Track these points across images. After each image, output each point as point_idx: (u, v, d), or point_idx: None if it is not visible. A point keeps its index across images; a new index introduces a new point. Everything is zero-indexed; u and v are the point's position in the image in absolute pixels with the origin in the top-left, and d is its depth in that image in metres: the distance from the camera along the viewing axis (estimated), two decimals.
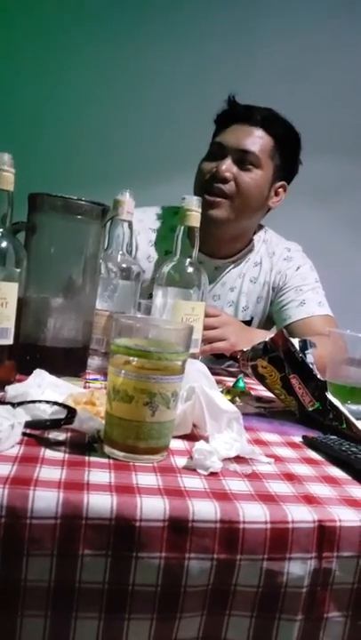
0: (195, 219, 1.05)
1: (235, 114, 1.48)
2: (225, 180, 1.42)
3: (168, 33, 2.41)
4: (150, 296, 1.14)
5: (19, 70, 2.38)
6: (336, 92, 2.43)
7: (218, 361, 1.48)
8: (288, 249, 1.63)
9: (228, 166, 1.42)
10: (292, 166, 1.54)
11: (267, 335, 1.01)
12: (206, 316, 1.15)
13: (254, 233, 1.62)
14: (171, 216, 1.55)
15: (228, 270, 1.57)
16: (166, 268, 1.08)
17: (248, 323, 1.58)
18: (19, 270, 0.87)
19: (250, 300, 1.59)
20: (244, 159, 1.43)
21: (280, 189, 1.54)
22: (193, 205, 1.05)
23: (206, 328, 1.17)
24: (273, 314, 1.60)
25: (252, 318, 1.61)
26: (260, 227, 1.65)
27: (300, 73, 2.41)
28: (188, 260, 1.07)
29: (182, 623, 0.55)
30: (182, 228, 1.06)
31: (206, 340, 1.22)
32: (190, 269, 1.08)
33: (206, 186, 1.44)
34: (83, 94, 2.40)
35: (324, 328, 1.39)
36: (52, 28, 2.40)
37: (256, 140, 1.44)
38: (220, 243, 1.51)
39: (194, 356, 1.04)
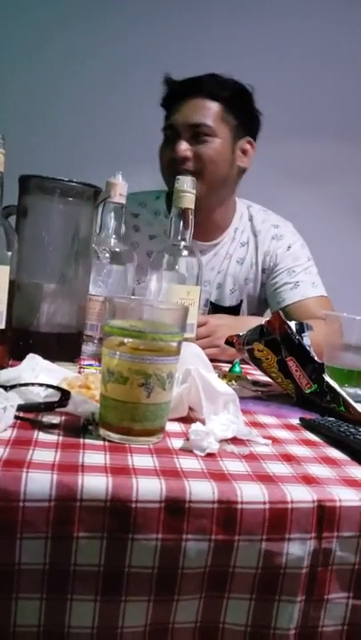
0: (189, 200, 1.03)
1: (176, 92, 1.46)
2: (185, 160, 1.40)
3: (160, 13, 2.38)
4: None
5: (7, 53, 2.35)
6: (333, 76, 2.42)
7: None
8: (276, 226, 1.58)
9: (184, 145, 1.40)
10: (250, 121, 1.50)
11: (260, 321, 1.00)
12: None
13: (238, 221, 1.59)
14: (153, 200, 1.55)
15: (214, 253, 1.54)
16: (161, 252, 1.07)
17: (238, 307, 1.57)
18: (10, 253, 0.85)
19: (237, 281, 1.56)
20: (197, 133, 1.41)
21: (247, 146, 1.50)
22: (187, 186, 1.03)
23: (196, 338, 1.16)
24: (267, 296, 1.57)
25: (241, 301, 1.58)
26: (245, 203, 1.62)
27: (296, 55, 2.40)
28: (183, 243, 1.06)
29: (180, 606, 0.54)
30: (176, 210, 1.05)
31: None
32: (185, 252, 1.06)
33: (170, 171, 1.41)
34: (74, 77, 2.37)
35: (318, 310, 1.39)
36: (45, 16, 2.37)
37: (203, 111, 1.41)
38: (205, 223, 1.47)
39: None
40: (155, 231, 1.52)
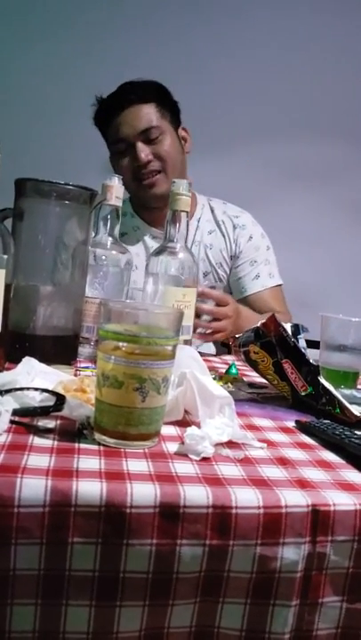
0: (184, 203, 1.03)
1: (111, 107, 1.57)
2: (149, 163, 1.53)
3: (159, 12, 2.38)
4: None
5: (4, 54, 2.34)
6: (334, 75, 2.42)
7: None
8: (236, 216, 1.68)
9: (143, 151, 1.52)
10: (177, 111, 1.64)
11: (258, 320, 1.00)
12: (219, 303, 1.21)
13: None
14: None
15: None
16: (156, 254, 1.07)
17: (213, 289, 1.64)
18: (6, 257, 0.85)
19: (210, 265, 1.66)
20: (149, 136, 1.53)
21: (184, 133, 1.65)
22: (182, 189, 1.03)
23: (219, 315, 1.23)
24: (230, 283, 1.68)
25: (216, 283, 1.66)
26: (205, 197, 1.73)
27: (297, 55, 2.40)
28: (179, 245, 1.06)
29: (175, 611, 0.54)
30: (171, 212, 1.05)
31: (209, 327, 1.25)
32: (181, 255, 1.06)
33: (137, 178, 1.54)
34: (72, 79, 2.37)
35: (273, 300, 1.59)
36: (43, 16, 2.37)
37: (146, 116, 1.54)
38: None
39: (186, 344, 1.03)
40: (125, 229, 1.65)
